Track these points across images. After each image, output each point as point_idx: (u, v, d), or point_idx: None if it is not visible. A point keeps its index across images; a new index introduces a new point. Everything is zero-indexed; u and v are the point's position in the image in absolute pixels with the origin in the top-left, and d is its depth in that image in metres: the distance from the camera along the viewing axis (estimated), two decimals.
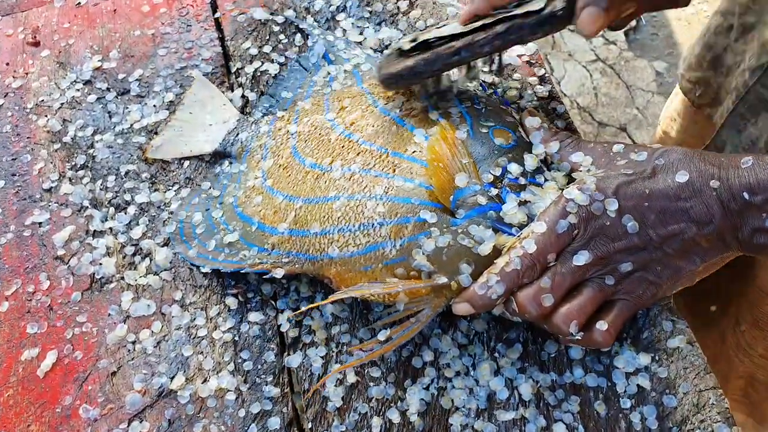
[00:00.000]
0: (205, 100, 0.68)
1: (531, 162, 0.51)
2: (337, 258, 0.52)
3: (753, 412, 0.84)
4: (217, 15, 0.75)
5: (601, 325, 0.47)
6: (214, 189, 0.62)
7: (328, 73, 0.67)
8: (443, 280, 0.48)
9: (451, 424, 0.50)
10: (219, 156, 0.65)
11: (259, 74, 0.70)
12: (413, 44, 0.54)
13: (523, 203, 0.49)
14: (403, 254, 0.50)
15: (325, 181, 0.55)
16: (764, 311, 0.73)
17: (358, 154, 0.56)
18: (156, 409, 0.52)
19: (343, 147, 0.57)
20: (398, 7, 0.73)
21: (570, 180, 0.51)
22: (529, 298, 0.47)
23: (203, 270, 0.57)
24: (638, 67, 1.89)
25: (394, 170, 0.53)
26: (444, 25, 0.55)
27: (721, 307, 0.80)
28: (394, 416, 0.50)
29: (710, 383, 0.51)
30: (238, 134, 0.65)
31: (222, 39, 0.74)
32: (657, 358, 0.52)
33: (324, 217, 0.54)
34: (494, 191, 0.50)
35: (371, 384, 0.52)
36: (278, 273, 0.54)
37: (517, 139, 0.53)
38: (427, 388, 0.51)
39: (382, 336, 0.50)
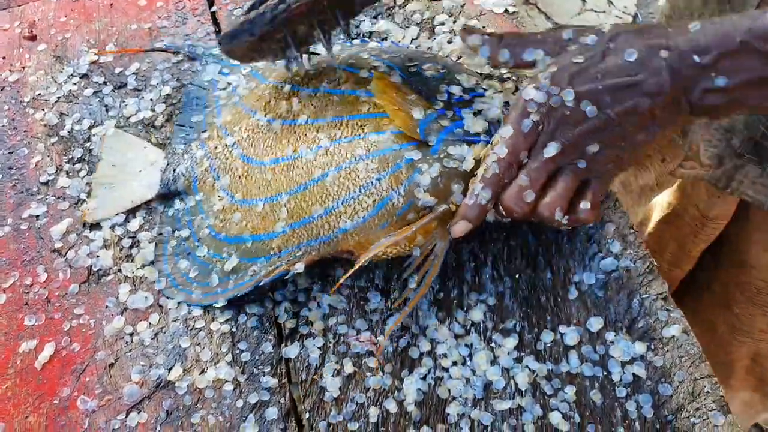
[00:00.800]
0: (122, 148, 0.65)
1: (466, 79, 0.55)
2: (352, 228, 0.53)
3: (760, 387, 0.85)
4: (213, 9, 0.75)
5: (585, 205, 0.51)
6: (180, 231, 0.60)
7: (229, 84, 0.66)
8: (444, 206, 0.51)
9: (448, 414, 0.50)
10: (164, 197, 0.62)
11: None
12: (250, 5, 0.55)
13: (478, 113, 0.53)
14: (409, 198, 0.52)
15: (303, 167, 0.55)
16: (758, 286, 0.75)
17: (317, 132, 0.56)
18: (154, 400, 0.52)
19: (295, 134, 0.57)
20: (394, 0, 0.73)
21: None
22: (512, 197, 0.50)
23: (218, 305, 0.55)
24: None
25: (363, 129, 0.54)
26: None
27: (706, 295, 0.82)
28: (391, 406, 0.51)
29: (705, 372, 0.51)
30: (175, 170, 0.62)
31: (218, 33, 0.74)
32: (652, 347, 0.52)
33: (322, 197, 0.54)
34: (449, 113, 0.53)
35: (368, 374, 0.52)
36: (299, 267, 0.53)
37: (444, 66, 0.56)
38: (423, 378, 0.52)
39: (412, 284, 0.52)
